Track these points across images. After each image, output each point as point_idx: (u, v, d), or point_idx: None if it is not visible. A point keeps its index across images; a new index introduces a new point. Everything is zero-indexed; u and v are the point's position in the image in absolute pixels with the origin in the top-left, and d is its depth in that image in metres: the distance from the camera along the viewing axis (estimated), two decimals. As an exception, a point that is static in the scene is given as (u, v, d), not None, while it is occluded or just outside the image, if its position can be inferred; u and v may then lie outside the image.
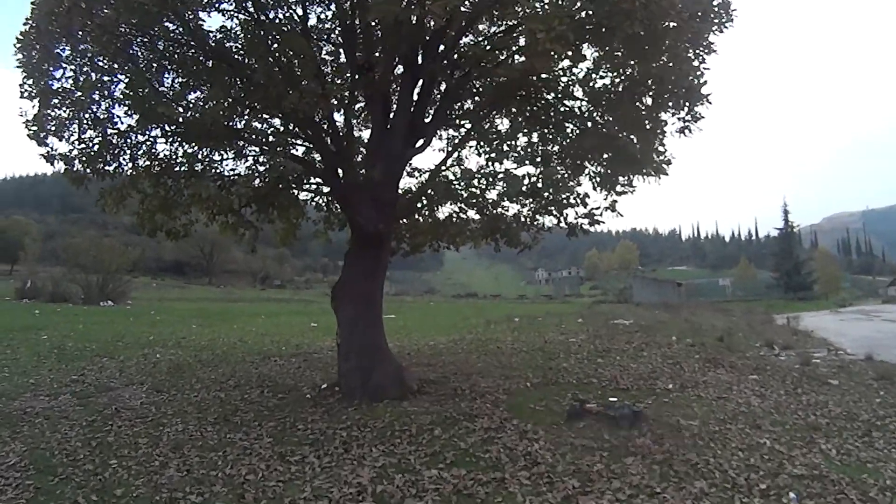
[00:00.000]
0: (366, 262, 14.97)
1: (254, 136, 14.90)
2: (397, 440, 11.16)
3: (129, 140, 14.17)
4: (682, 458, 9.84)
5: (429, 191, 16.46)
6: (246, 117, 14.56)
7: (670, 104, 13.63)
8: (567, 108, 15.58)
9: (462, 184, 16.38)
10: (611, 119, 14.63)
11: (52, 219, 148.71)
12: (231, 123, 13.96)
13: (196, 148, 14.66)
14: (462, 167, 17.28)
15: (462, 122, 17.35)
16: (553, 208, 15.83)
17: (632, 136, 14.37)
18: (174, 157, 14.79)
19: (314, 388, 15.69)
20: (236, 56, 14.20)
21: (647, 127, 14.13)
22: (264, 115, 14.77)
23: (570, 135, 15.72)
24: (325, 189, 17.30)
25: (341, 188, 14.96)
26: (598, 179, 15.89)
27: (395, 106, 15.42)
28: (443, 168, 16.62)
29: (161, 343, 24.91)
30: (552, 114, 15.71)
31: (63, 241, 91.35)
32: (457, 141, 17.24)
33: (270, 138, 15.01)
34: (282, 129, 15.05)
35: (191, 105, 14.00)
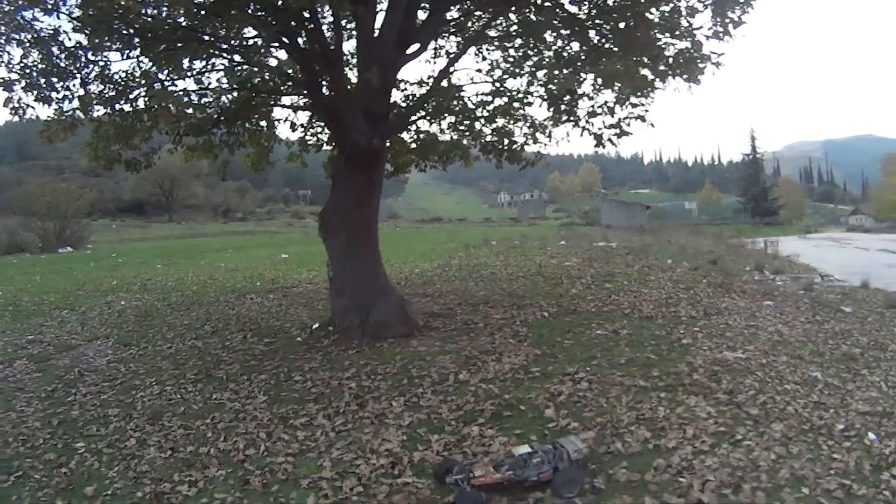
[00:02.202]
0: (358, 183, 13.42)
1: (227, 44, 13.23)
2: (418, 389, 9.72)
3: (78, 61, 12.39)
4: (747, 397, 8.85)
5: (432, 99, 15.17)
6: (215, 22, 12.54)
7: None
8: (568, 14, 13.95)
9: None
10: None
11: (5, 168, 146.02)
12: (201, 30, 12.23)
13: (156, 65, 12.86)
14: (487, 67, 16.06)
15: (467, 25, 16.11)
16: (574, 118, 14.75)
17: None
18: (131, 77, 13.02)
19: (304, 328, 14.28)
20: None
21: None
22: (234, 21, 12.71)
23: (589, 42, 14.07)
24: (303, 103, 15.94)
25: (329, 100, 13.62)
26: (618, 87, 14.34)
27: (384, 7, 13.85)
28: (446, 75, 15.24)
29: (125, 288, 23.32)
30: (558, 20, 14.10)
31: (16, 191, 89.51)
32: (464, 41, 15.92)
33: (250, 42, 13.36)
34: (259, 32, 13.13)
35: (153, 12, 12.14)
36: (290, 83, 14.15)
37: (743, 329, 13.03)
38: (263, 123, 15.94)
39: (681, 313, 14.32)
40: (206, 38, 12.22)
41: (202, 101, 13.41)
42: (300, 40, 12.83)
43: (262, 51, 13.46)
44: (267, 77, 13.68)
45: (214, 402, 9.96)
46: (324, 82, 13.72)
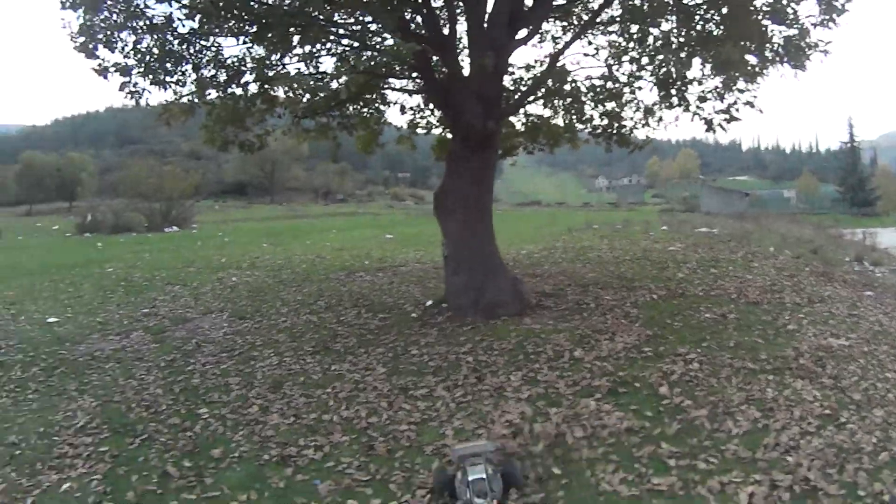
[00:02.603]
0: (473, 164, 13.50)
1: (344, 30, 13.51)
2: (535, 365, 9.85)
3: (191, 46, 12.68)
4: (850, 383, 8.96)
5: (548, 81, 15.04)
6: (329, 8, 12.72)
7: None
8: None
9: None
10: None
11: (107, 153, 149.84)
12: (315, 16, 12.13)
13: (270, 49, 12.84)
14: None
15: (573, 10, 15.98)
16: (685, 103, 14.46)
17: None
18: (243, 62, 13.20)
19: (417, 305, 14.46)
20: None
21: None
22: (351, 7, 12.95)
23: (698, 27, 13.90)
24: (415, 87, 15.96)
25: (443, 84, 13.68)
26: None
27: None
28: (558, 60, 15.04)
29: (234, 265, 23.56)
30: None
31: (120, 174, 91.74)
32: (577, 26, 15.74)
33: (369, 26, 13.57)
34: (374, 18, 13.11)
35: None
36: (405, 68, 14.04)
37: (845, 317, 12.95)
38: (379, 106, 16.04)
39: (785, 300, 14.19)
40: (321, 23, 12.19)
41: (318, 85, 13.23)
42: (414, 25, 13.03)
43: (378, 36, 13.64)
44: (384, 61, 13.45)
45: (334, 372, 10.20)
46: (437, 67, 13.78)
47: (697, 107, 14.24)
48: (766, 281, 16.38)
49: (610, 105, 15.85)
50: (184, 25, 12.31)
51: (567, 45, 15.05)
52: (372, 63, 13.32)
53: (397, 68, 13.94)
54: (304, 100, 13.34)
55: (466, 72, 13.65)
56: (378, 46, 13.62)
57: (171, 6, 12.09)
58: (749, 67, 13.10)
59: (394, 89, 16.18)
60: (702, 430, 7.41)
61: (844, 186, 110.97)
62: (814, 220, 59.54)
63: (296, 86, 12.42)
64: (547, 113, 16.93)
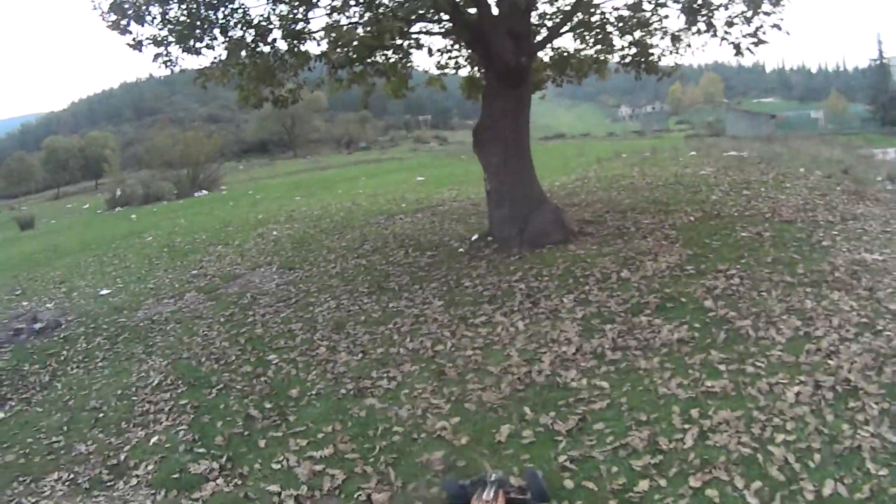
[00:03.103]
0: (508, 100, 13.67)
1: None
2: (584, 287, 10.37)
3: (218, 10, 12.98)
4: (886, 294, 9.12)
5: (577, 14, 15.26)
6: None
7: None
8: None
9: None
10: None
11: (127, 127, 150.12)
12: None
13: (294, 4, 13.19)
14: None
15: None
16: (713, 28, 14.59)
17: None
18: (269, 21, 13.45)
19: (462, 241, 14.81)
20: None
21: None
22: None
23: None
24: (443, 28, 15.86)
25: (475, 23, 13.74)
26: None
27: None
28: None
29: (272, 220, 23.95)
30: None
31: (144, 145, 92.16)
32: None
33: None
34: None
35: None
36: (434, 12, 13.92)
37: (879, 234, 13.09)
38: (409, 50, 16.02)
39: (818, 218, 14.35)
40: None
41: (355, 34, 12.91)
42: None
43: None
44: (419, 4, 13.07)
45: (392, 309, 10.69)
46: (463, 8, 13.77)
47: (725, 32, 14.34)
48: (799, 200, 16.53)
49: (637, 34, 16.01)
50: None
51: None
52: (406, 4, 13.55)
53: (429, 13, 13.96)
54: (341, 50, 13.19)
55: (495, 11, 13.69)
56: None
57: None
58: None
59: (426, 33, 16.08)
60: (747, 338, 7.88)
61: (875, 105, 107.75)
62: (843, 140, 58.74)
63: (334, 35, 12.40)
64: (575, 45, 17.12)
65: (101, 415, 8.63)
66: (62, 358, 11.38)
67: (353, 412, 7.47)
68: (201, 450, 7.25)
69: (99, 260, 20.69)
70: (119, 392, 9.24)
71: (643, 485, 5.45)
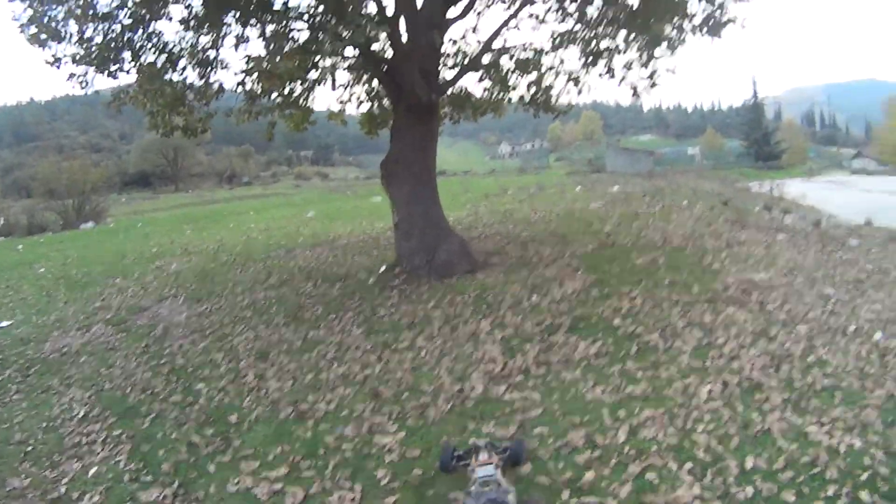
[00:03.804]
0: (417, 134, 14.24)
1: (294, 12, 13.66)
2: (499, 312, 10.93)
3: (135, 34, 13.10)
4: (775, 307, 10.49)
5: (484, 57, 16.05)
6: None
7: None
8: None
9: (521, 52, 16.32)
10: None
11: (6, 153, 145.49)
12: None
13: (208, 32, 13.44)
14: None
15: None
16: (611, 71, 15.82)
17: None
18: (180, 48, 13.64)
19: (370, 272, 14.93)
20: None
21: None
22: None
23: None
24: (350, 64, 16.27)
25: (388, 59, 14.48)
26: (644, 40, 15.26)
27: None
28: (498, 34, 15.85)
29: (168, 253, 23.38)
30: None
31: (28, 171, 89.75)
32: (519, 4, 16.13)
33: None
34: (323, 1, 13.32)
35: None
36: (346, 45, 13.61)
37: (763, 257, 14.33)
38: (316, 83, 16.11)
39: (706, 244, 15.42)
40: (259, 3, 12.62)
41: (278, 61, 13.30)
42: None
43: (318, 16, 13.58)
44: (321, 40, 13.13)
45: (313, 338, 10.88)
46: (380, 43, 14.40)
47: (624, 75, 15.58)
48: (686, 229, 17.60)
49: (538, 75, 16.73)
50: (128, 17, 12.76)
51: (505, 23, 15.71)
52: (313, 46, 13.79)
53: (337, 46, 13.55)
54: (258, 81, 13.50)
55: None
56: (330, 26, 13.08)
57: None
58: (672, 40, 14.52)
59: (335, 67, 16.15)
60: (657, 349, 8.82)
61: (749, 141, 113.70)
62: (720, 174, 61.73)
63: (252, 65, 12.60)
64: (478, 85, 18.06)
65: (29, 448, 8.45)
66: (-28, 393, 11.13)
67: (298, 434, 7.68)
68: (148, 478, 7.26)
69: (-9, 292, 20.10)
70: (44, 425, 9.10)
71: (589, 475, 6.06)
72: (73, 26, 12.45)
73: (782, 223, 20.64)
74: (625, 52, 15.45)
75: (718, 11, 13.77)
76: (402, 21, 14.09)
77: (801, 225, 20.29)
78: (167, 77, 13.57)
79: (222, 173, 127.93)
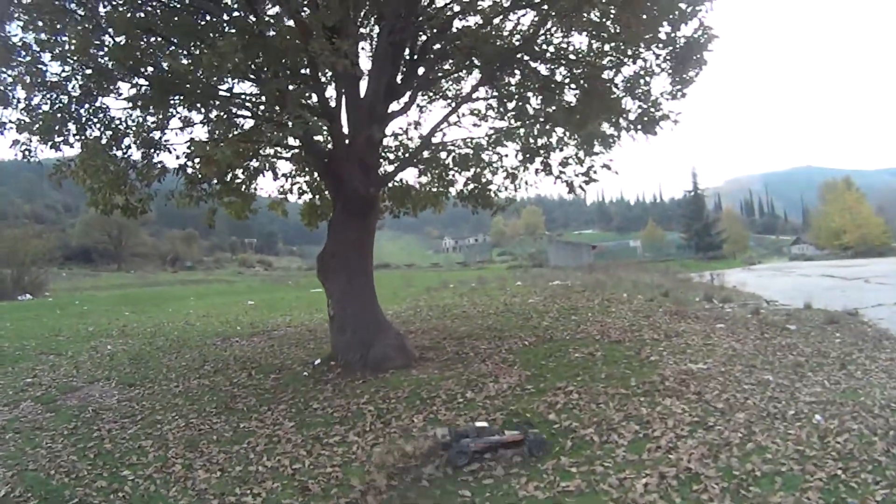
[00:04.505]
0: (355, 228, 14.33)
1: (238, 100, 13.94)
2: (433, 407, 10.88)
3: (83, 107, 13.10)
4: (713, 396, 10.53)
5: (424, 152, 16.47)
6: (230, 79, 13.26)
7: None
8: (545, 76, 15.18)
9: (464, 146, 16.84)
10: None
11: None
12: (215, 85, 12.76)
13: (154, 113, 13.42)
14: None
15: (444, 84, 17.49)
16: (548, 168, 16.16)
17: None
18: (126, 125, 13.62)
19: (305, 365, 14.92)
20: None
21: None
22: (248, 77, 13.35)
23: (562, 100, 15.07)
24: (291, 155, 16.48)
25: (327, 152, 14.56)
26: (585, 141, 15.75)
27: (371, 67, 14.53)
28: (438, 130, 16.14)
29: (104, 333, 23.29)
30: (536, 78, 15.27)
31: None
32: (458, 101, 16.64)
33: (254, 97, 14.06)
34: (261, 90, 13.60)
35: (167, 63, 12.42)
36: (287, 135, 13.97)
37: (701, 347, 14.43)
38: (259, 173, 16.46)
39: (645, 336, 15.53)
40: (205, 89, 12.48)
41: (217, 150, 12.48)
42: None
43: (262, 105, 13.83)
44: (264, 129, 13.83)
45: (244, 430, 10.70)
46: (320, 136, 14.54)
47: (560, 171, 15.77)
48: (625, 322, 17.74)
49: (477, 171, 17.09)
50: (77, 89, 12.79)
51: (444, 119, 16.04)
52: (255, 135, 13.84)
53: (277, 136, 14.06)
54: (194, 167, 13.66)
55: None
56: (261, 114, 13.88)
57: (65, 66, 12.58)
58: (606, 136, 14.91)
59: (278, 157, 16.64)
60: (592, 443, 8.77)
61: (689, 233, 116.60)
62: (661, 266, 62.67)
63: (194, 150, 12.74)
64: (418, 179, 18.08)
65: (-56, 529, 8.17)
66: None
67: (225, 525, 7.38)
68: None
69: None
70: (-38, 505, 8.79)
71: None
72: (20, 92, 12.47)
73: (722, 312, 20.84)
74: (562, 149, 15.84)
75: (652, 109, 14.11)
76: (343, 114, 14.30)
77: (741, 313, 20.50)
78: (111, 153, 13.45)
79: (165, 255, 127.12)
